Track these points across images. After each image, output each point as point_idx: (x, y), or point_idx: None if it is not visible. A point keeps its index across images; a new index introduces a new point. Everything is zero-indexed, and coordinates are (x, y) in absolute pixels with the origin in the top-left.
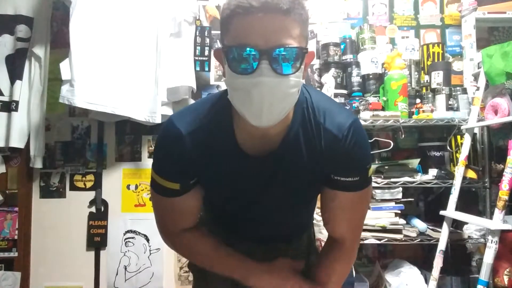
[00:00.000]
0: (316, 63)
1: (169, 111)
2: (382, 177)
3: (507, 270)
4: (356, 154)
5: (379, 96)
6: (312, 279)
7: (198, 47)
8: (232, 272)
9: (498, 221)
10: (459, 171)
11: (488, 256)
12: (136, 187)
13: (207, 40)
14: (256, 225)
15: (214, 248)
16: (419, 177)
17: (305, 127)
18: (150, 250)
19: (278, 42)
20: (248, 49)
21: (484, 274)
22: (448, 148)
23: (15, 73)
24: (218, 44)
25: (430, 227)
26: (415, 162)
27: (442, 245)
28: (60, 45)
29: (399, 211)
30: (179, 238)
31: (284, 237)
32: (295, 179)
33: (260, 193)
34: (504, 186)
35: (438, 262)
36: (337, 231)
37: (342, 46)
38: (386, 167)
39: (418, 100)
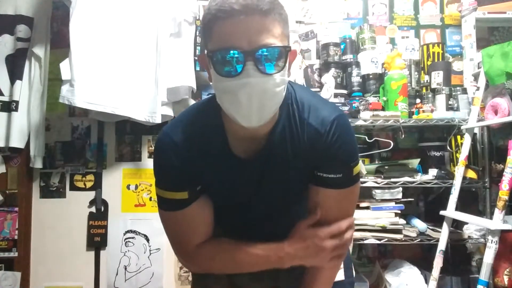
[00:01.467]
0: (316, 63)
1: (169, 111)
2: (382, 177)
3: (507, 270)
4: (338, 149)
5: (379, 96)
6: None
7: (198, 47)
8: (263, 262)
9: (498, 221)
10: (459, 171)
11: (488, 256)
12: (136, 187)
13: None
14: (252, 225)
15: (235, 247)
16: (419, 177)
17: (289, 123)
18: (150, 250)
19: (261, 42)
20: (232, 51)
21: (484, 274)
22: (448, 148)
23: (15, 73)
24: None
25: (430, 227)
26: (415, 162)
27: (442, 245)
28: (60, 45)
29: (399, 211)
30: (197, 255)
31: (280, 236)
32: (283, 176)
33: (254, 193)
34: (504, 186)
35: (438, 262)
36: None
37: (342, 46)
38: (386, 167)
39: (418, 100)
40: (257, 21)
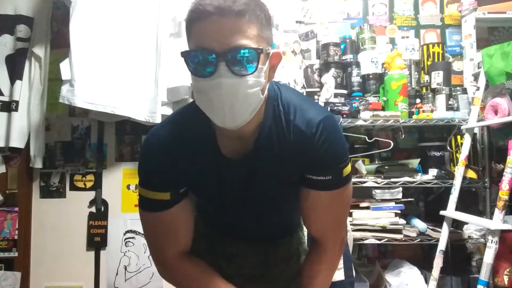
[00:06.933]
0: (316, 63)
1: (169, 111)
2: (382, 177)
3: (507, 270)
4: (326, 152)
5: (379, 96)
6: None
7: None
8: None
9: (498, 221)
10: (459, 171)
11: (488, 256)
12: (136, 187)
13: None
14: (239, 225)
15: (211, 280)
16: (419, 177)
17: (276, 124)
18: None
19: (233, 44)
20: (204, 52)
21: (484, 274)
22: (448, 148)
23: (15, 73)
24: None
25: (430, 227)
26: (415, 162)
27: (442, 245)
28: (60, 45)
29: (399, 211)
30: (175, 266)
31: (272, 236)
32: (271, 178)
33: (242, 194)
34: (504, 186)
35: (438, 262)
36: (314, 230)
37: (342, 46)
38: (386, 167)
39: (418, 100)
40: (229, 22)
